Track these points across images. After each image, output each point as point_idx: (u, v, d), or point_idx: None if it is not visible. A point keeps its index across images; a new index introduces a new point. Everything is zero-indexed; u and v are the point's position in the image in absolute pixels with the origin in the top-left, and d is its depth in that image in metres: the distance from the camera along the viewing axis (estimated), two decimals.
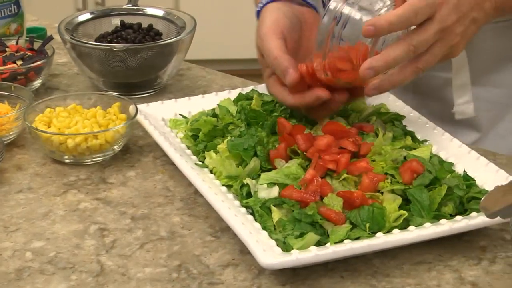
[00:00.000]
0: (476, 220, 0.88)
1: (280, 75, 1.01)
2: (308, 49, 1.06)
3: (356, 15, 0.96)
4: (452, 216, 0.91)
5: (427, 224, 0.88)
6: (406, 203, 0.91)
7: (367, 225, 0.87)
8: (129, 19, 1.31)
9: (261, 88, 1.14)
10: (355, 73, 0.96)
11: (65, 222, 0.96)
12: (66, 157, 1.07)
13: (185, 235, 0.93)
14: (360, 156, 0.97)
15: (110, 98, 1.14)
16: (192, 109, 1.13)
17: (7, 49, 1.29)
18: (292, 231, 0.87)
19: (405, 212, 0.89)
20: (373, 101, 1.12)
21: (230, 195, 0.95)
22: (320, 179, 0.93)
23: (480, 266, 0.88)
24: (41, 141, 1.06)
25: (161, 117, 1.12)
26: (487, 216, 0.82)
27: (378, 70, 0.94)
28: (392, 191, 0.92)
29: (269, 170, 0.97)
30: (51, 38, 1.32)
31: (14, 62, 1.25)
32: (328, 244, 0.86)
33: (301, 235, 0.86)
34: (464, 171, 0.97)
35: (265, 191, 0.93)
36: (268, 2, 1.07)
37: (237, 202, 0.93)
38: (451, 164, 0.99)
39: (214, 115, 1.09)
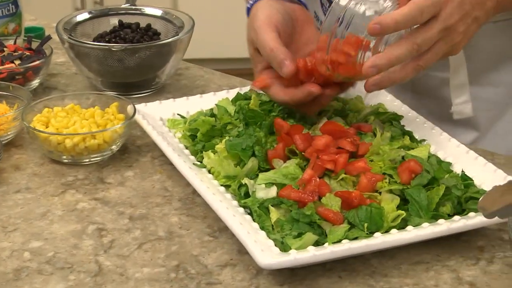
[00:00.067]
0: (474, 220, 0.88)
1: (276, 66, 1.01)
2: (299, 46, 1.06)
3: (361, 8, 0.97)
4: (450, 216, 0.91)
5: (425, 224, 0.88)
6: (404, 203, 0.91)
7: (365, 225, 0.87)
8: (127, 19, 1.31)
9: None
10: (356, 68, 0.96)
11: (63, 222, 0.96)
12: (64, 157, 1.07)
13: (183, 235, 0.93)
14: (358, 156, 0.97)
15: (108, 98, 1.14)
16: (190, 109, 1.13)
17: (5, 49, 1.29)
18: (290, 231, 0.87)
19: (403, 212, 0.89)
20: (371, 100, 1.12)
21: (228, 195, 0.95)
22: (318, 179, 0.93)
23: (478, 266, 0.88)
24: (39, 141, 1.06)
25: (159, 117, 1.12)
26: (485, 216, 0.82)
27: (381, 68, 0.94)
28: (390, 191, 0.92)
29: (267, 170, 0.97)
30: (49, 37, 1.32)
31: (12, 62, 1.25)
32: (326, 244, 0.86)
33: (299, 235, 0.86)
34: (462, 171, 0.97)
35: (263, 191, 0.93)
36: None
37: (235, 202, 0.93)
38: (449, 164, 0.99)
39: (212, 115, 1.09)
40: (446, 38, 0.95)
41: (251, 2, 1.08)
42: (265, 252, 0.83)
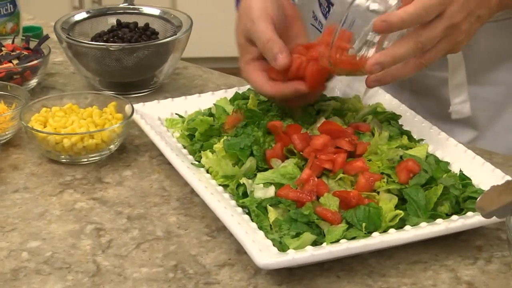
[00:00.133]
0: (472, 219, 0.88)
1: (270, 57, 1.01)
2: (287, 40, 1.06)
3: (367, 3, 0.97)
4: (448, 215, 0.91)
5: (423, 224, 0.88)
6: (402, 202, 0.91)
7: (363, 224, 0.87)
8: (125, 18, 1.31)
9: None
10: (357, 64, 0.96)
11: (61, 222, 0.96)
12: (62, 156, 1.07)
13: (181, 235, 0.93)
14: (356, 155, 0.97)
15: (106, 98, 1.14)
16: (188, 108, 1.13)
17: (3, 48, 1.29)
18: (288, 231, 0.87)
19: (401, 211, 0.89)
20: (369, 100, 1.12)
21: (226, 195, 0.95)
22: (316, 179, 0.93)
23: (476, 265, 0.88)
24: (37, 140, 1.06)
25: (157, 117, 1.12)
26: (483, 216, 0.82)
27: (385, 66, 0.94)
28: (388, 191, 0.92)
29: (265, 169, 0.97)
30: (47, 37, 1.32)
31: (10, 61, 1.25)
32: (324, 244, 0.86)
33: (297, 235, 0.86)
34: (460, 171, 0.97)
35: (261, 191, 0.93)
36: None
37: (233, 202, 0.93)
38: (447, 163, 0.99)
39: (211, 114, 1.09)
40: (450, 36, 0.95)
41: None
42: (263, 252, 0.83)
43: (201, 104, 1.14)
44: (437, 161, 0.98)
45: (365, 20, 0.96)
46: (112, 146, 1.08)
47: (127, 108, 1.10)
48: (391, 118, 1.07)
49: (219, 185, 0.96)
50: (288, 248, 0.84)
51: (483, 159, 0.99)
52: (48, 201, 1.00)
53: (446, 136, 1.05)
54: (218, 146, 1.00)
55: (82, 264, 0.89)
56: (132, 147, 1.11)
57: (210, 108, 1.11)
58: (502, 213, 0.81)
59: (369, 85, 0.99)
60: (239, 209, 0.92)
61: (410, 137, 1.04)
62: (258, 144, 0.99)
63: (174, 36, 1.24)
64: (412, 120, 1.09)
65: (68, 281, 0.86)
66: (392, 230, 0.87)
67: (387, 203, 0.90)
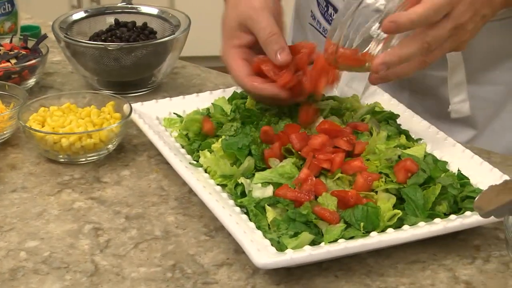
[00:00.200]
0: (470, 219, 0.88)
1: (271, 51, 1.01)
2: None
3: (377, 2, 0.97)
4: (446, 215, 0.91)
5: (421, 223, 0.88)
6: (400, 202, 0.91)
7: (362, 224, 0.87)
8: (123, 18, 1.31)
9: None
10: (360, 59, 0.96)
11: (59, 221, 0.96)
12: (60, 156, 1.07)
13: (179, 235, 0.93)
14: (354, 155, 0.97)
15: (105, 97, 1.14)
16: (186, 108, 1.13)
17: (0, 48, 1.29)
18: (286, 231, 0.87)
19: (399, 211, 0.89)
20: (367, 99, 1.12)
21: (225, 195, 0.95)
22: (314, 179, 0.93)
23: (474, 265, 0.88)
24: (35, 140, 1.06)
25: (156, 116, 1.12)
26: (481, 216, 0.82)
27: (391, 65, 0.94)
28: (387, 190, 0.92)
29: (263, 169, 0.96)
30: (45, 36, 1.32)
31: (8, 61, 1.25)
32: (322, 244, 0.86)
33: (296, 234, 0.86)
34: (458, 170, 0.97)
35: (260, 191, 0.93)
36: None
37: (232, 202, 0.93)
38: (445, 163, 0.99)
39: (209, 114, 1.09)
40: (455, 36, 0.95)
41: None
42: (262, 251, 0.83)
43: (199, 103, 1.14)
44: (435, 160, 0.98)
45: (366, 16, 0.96)
46: (110, 146, 1.08)
47: (125, 107, 1.10)
48: (389, 118, 1.07)
49: (217, 184, 0.96)
50: (286, 248, 0.84)
51: (481, 159, 0.99)
52: (46, 201, 1.00)
53: (444, 135, 1.05)
54: (216, 145, 1.00)
55: (80, 263, 0.89)
56: (130, 147, 1.11)
57: (208, 108, 1.11)
58: (500, 212, 0.81)
59: (373, 82, 0.99)
60: (237, 209, 0.92)
61: (408, 137, 1.04)
62: (256, 143, 0.99)
63: (172, 36, 1.24)
64: (410, 120, 1.09)
65: (66, 280, 0.86)
66: (390, 230, 0.87)
67: (385, 203, 0.90)
